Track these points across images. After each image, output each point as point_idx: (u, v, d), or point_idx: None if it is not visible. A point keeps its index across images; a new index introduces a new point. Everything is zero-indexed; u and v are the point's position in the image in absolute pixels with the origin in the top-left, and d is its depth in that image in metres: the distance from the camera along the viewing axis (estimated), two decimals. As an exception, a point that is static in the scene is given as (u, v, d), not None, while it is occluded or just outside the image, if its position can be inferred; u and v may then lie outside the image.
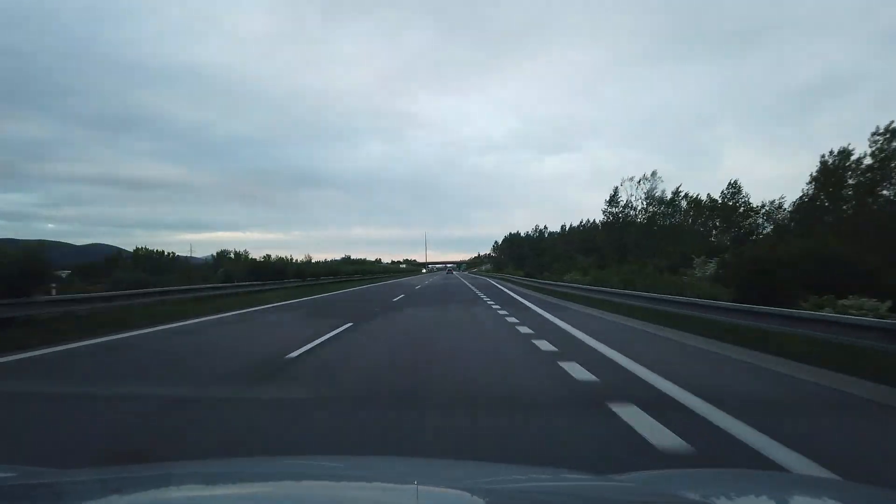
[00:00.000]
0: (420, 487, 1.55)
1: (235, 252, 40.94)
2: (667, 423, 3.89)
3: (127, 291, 14.60)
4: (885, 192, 29.54)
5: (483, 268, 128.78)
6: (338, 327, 10.58)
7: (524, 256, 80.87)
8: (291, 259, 38.16)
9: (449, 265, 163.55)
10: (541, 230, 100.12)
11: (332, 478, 1.69)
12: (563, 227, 79.39)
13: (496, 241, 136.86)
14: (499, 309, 15.44)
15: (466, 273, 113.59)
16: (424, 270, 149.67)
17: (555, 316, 13.03)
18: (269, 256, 34.63)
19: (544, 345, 8.12)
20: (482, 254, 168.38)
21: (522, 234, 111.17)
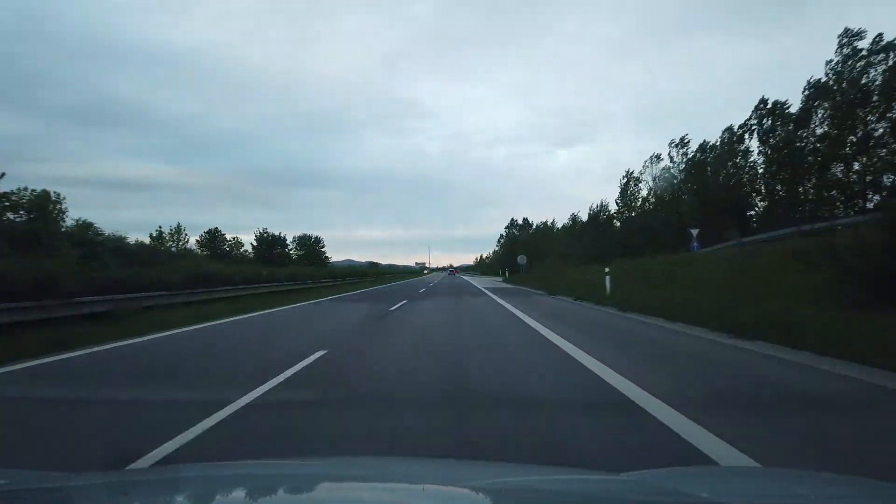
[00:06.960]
0: (427, 487, 1.56)
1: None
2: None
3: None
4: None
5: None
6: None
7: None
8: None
9: (452, 266, 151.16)
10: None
11: (341, 479, 1.69)
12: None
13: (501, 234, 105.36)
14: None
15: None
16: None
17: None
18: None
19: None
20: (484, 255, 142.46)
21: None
